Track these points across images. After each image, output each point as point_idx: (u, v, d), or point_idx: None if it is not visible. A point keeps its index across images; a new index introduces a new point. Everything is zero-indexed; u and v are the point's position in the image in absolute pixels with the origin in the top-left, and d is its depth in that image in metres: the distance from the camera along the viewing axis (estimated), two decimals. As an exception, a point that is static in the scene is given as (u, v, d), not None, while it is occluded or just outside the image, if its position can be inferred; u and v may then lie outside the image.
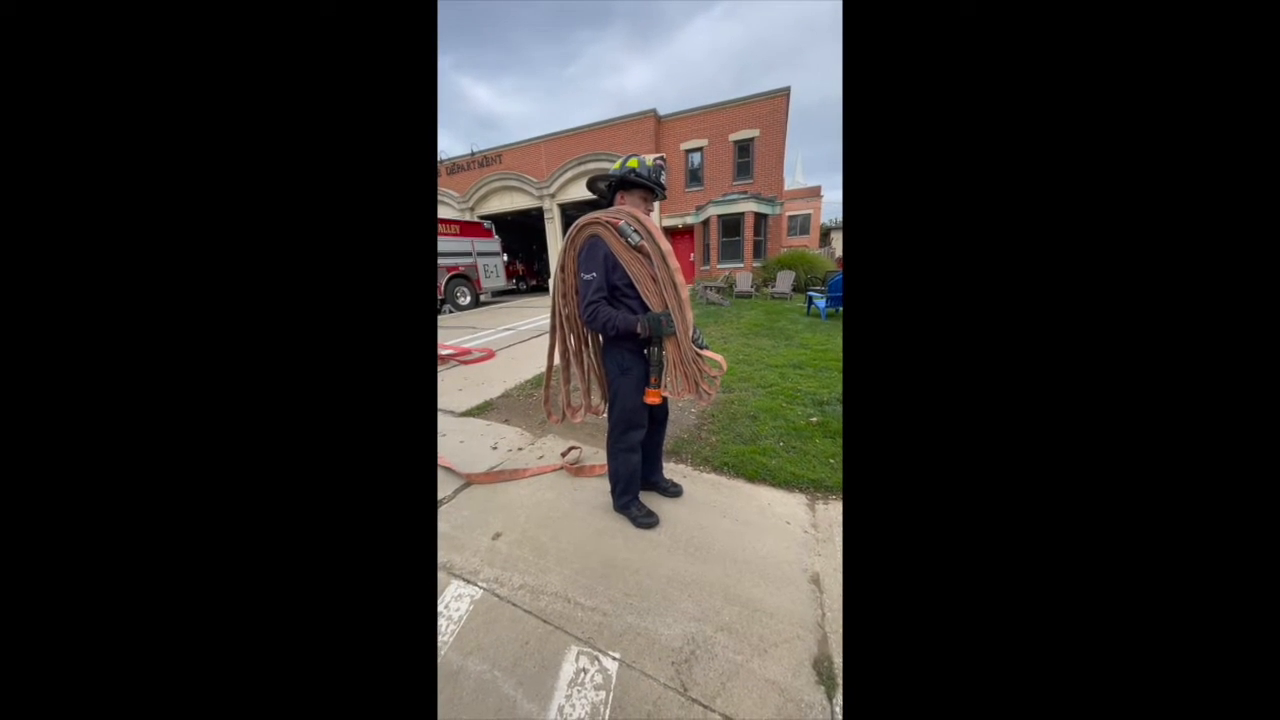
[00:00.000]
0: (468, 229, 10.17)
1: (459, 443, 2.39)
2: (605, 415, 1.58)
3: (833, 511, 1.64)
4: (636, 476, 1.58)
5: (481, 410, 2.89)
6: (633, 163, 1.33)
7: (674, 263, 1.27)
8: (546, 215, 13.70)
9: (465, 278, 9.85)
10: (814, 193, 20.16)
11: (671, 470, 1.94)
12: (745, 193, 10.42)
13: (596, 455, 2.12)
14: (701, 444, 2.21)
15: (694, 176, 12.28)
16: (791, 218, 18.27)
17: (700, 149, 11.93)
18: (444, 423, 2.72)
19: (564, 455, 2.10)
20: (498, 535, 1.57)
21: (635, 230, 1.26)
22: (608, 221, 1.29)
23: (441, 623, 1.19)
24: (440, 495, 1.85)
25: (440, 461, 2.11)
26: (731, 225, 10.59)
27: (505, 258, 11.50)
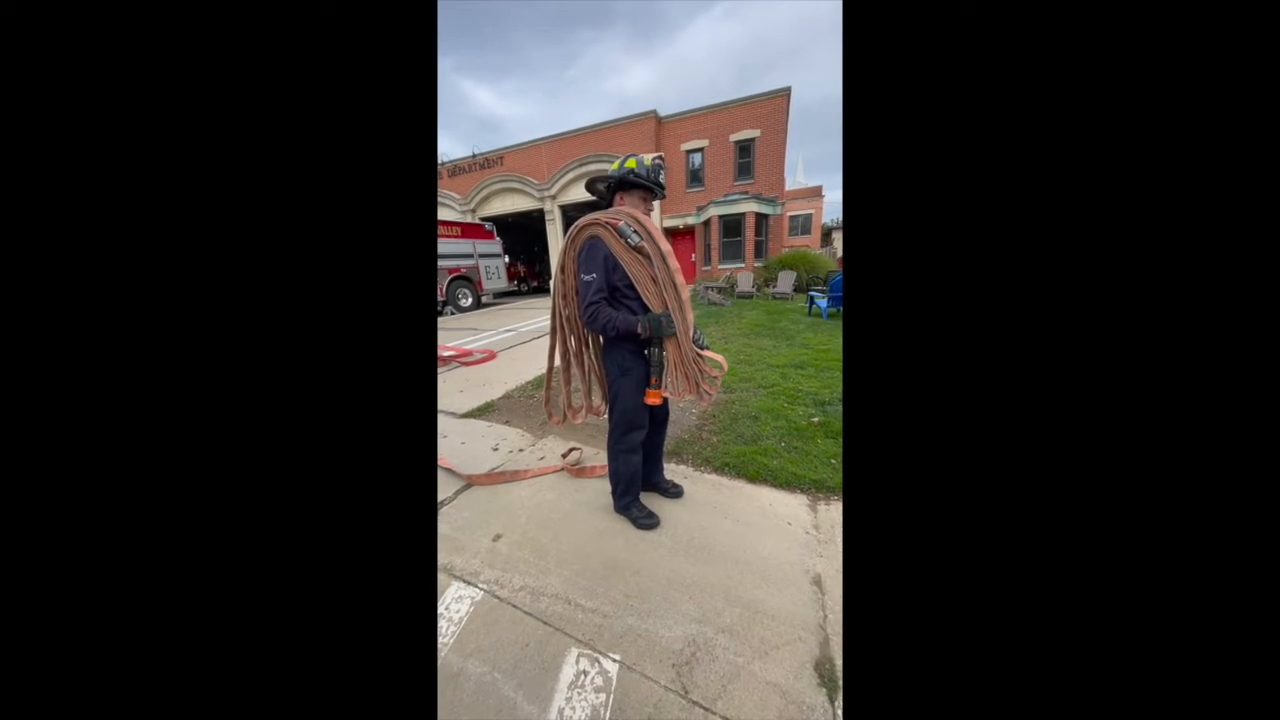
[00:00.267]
0: (469, 231, 10.20)
1: (460, 444, 2.39)
2: (606, 416, 1.58)
3: (834, 512, 1.63)
4: (637, 477, 1.57)
5: (483, 411, 2.90)
6: (631, 163, 1.33)
7: (674, 263, 1.27)
8: (547, 217, 13.73)
9: (467, 279, 9.88)
10: (815, 192, 20.15)
11: (672, 471, 1.94)
12: (746, 193, 10.41)
13: (597, 456, 2.12)
14: (702, 444, 2.21)
15: (695, 177, 12.28)
16: (793, 218, 18.26)
17: (701, 149, 11.94)
18: (445, 424, 2.73)
19: (565, 456, 2.10)
20: (498, 536, 1.57)
21: (635, 231, 1.26)
22: (607, 222, 1.28)
23: (442, 624, 1.19)
24: (441, 496, 1.85)
25: (441, 463, 2.11)
26: (732, 225, 10.58)
27: (506, 259, 11.53)
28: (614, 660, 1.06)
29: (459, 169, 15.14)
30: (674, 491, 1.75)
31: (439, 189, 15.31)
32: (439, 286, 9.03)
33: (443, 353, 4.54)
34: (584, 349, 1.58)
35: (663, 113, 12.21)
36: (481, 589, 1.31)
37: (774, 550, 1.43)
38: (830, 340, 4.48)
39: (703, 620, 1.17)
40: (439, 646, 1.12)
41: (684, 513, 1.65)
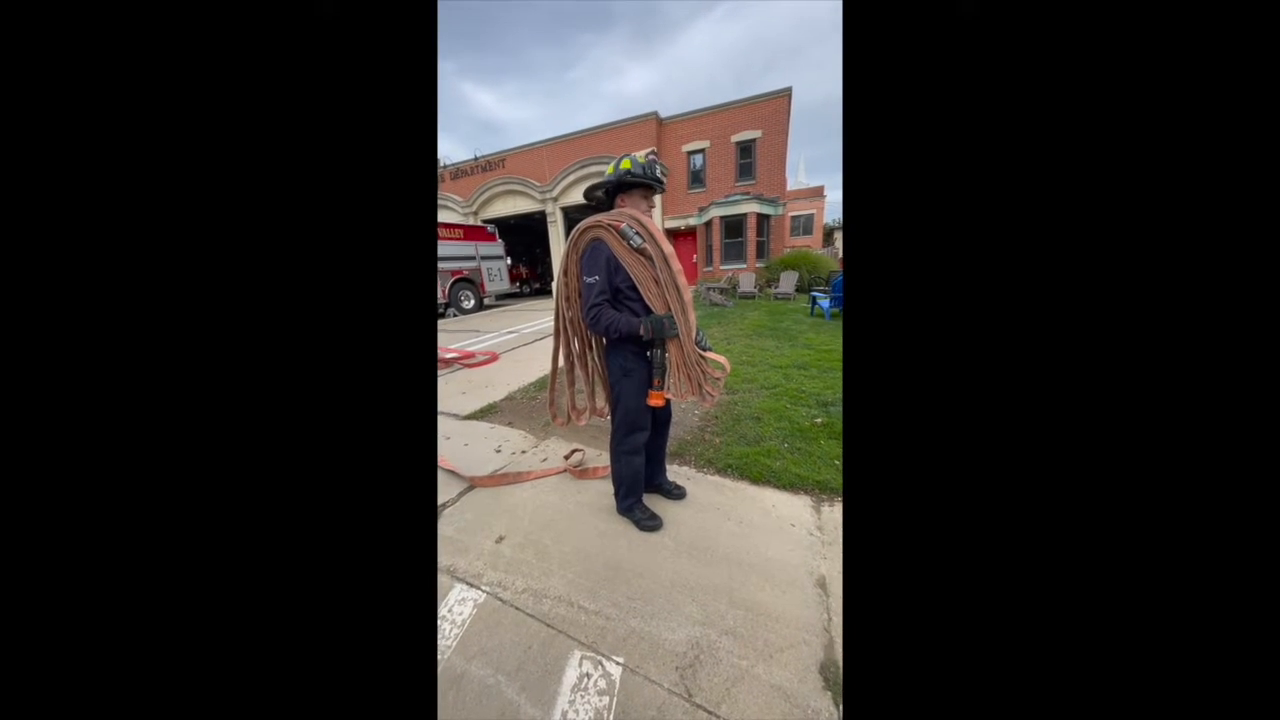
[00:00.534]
0: (471, 233, 10.24)
1: (463, 446, 2.40)
2: (609, 417, 1.58)
3: (838, 514, 1.62)
4: (640, 479, 1.57)
5: (485, 413, 2.90)
6: (626, 164, 1.33)
7: (676, 265, 1.27)
8: (549, 218, 13.76)
9: (469, 281, 9.91)
10: (817, 193, 20.12)
11: (675, 472, 1.93)
12: (748, 194, 10.41)
13: (600, 458, 2.12)
14: (705, 446, 2.20)
15: (696, 178, 12.29)
16: (794, 218, 18.24)
17: (702, 150, 11.94)
18: (448, 426, 2.73)
19: (567, 458, 2.10)
20: (501, 538, 1.57)
21: (637, 233, 1.26)
22: (610, 224, 1.29)
23: (445, 626, 1.19)
24: (444, 498, 1.85)
25: (444, 464, 2.11)
26: (734, 226, 10.58)
27: (509, 261, 11.56)
28: (617, 663, 1.06)
29: (461, 171, 15.21)
30: (677, 493, 1.75)
31: (441, 192, 15.38)
32: (442, 289, 9.06)
33: (445, 354, 4.56)
34: (587, 351, 1.58)
35: (663, 114, 12.23)
36: (484, 591, 1.31)
37: (777, 552, 1.42)
38: (833, 341, 4.47)
39: (706, 623, 1.16)
40: (442, 649, 1.12)
41: (687, 514, 1.65)
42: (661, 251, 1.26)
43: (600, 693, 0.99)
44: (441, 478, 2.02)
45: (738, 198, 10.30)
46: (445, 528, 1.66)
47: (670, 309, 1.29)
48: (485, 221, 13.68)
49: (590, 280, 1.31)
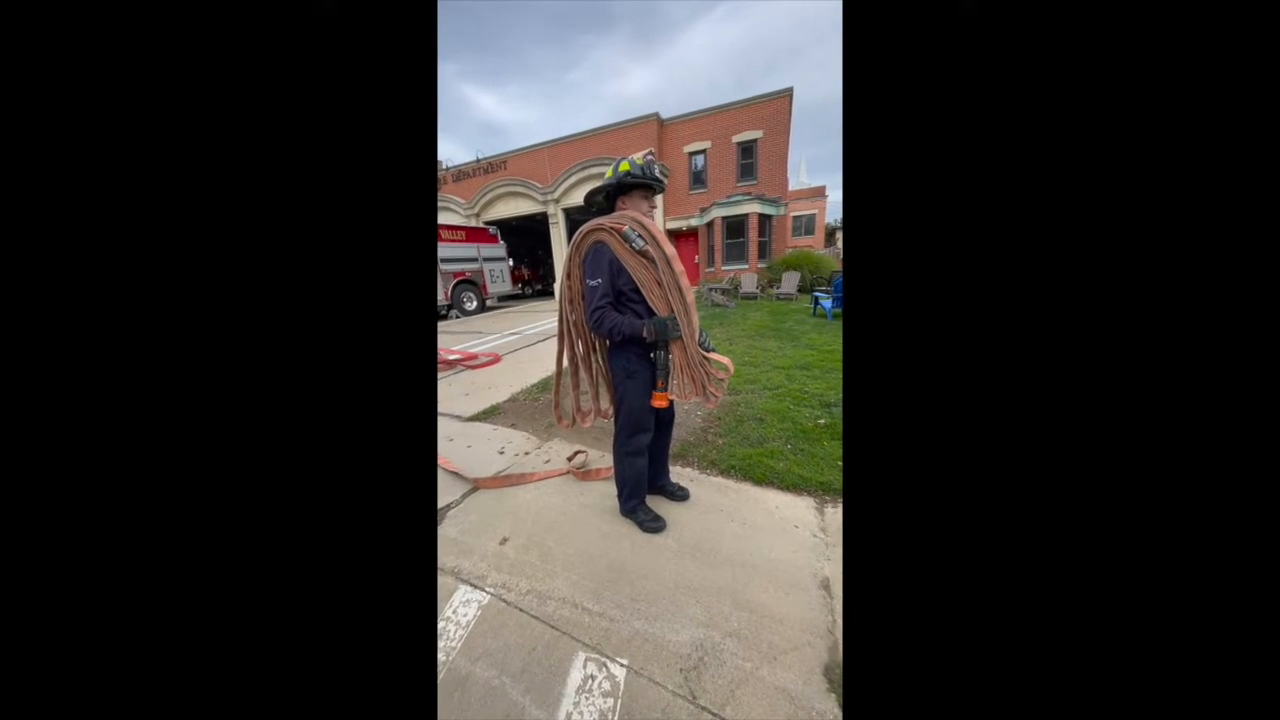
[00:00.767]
0: (473, 235, 10.28)
1: (466, 447, 2.40)
2: (613, 419, 1.58)
3: (842, 515, 1.62)
4: (643, 480, 1.57)
5: (488, 415, 2.91)
6: (624, 166, 1.33)
7: (678, 266, 1.27)
8: (551, 220, 13.79)
9: (471, 283, 9.94)
10: (819, 192, 20.08)
11: (678, 474, 1.93)
12: (749, 194, 10.40)
13: (603, 459, 2.12)
14: (708, 447, 2.20)
15: (697, 179, 12.29)
16: (796, 218, 18.20)
17: (704, 151, 11.94)
18: (451, 427, 2.74)
19: (570, 459, 2.10)
20: (505, 540, 1.58)
21: (639, 235, 1.26)
22: (612, 227, 1.29)
23: (450, 628, 1.19)
24: (448, 500, 1.86)
25: (448, 466, 2.12)
26: (736, 227, 10.57)
27: (511, 263, 11.59)
28: (621, 665, 1.06)
29: (463, 174, 15.27)
30: (680, 494, 1.75)
31: (443, 194, 15.44)
32: (444, 290, 9.09)
33: (448, 356, 4.57)
34: (591, 353, 1.58)
35: (665, 115, 12.24)
36: (489, 592, 1.31)
37: (781, 553, 1.42)
38: (835, 341, 4.46)
39: (710, 624, 1.16)
40: (448, 650, 1.12)
41: (690, 516, 1.65)
42: (664, 253, 1.26)
43: (605, 694, 0.99)
44: (445, 479, 2.03)
45: (739, 198, 10.29)
46: (449, 529, 1.67)
47: (673, 310, 1.30)
48: (487, 223, 13.72)
49: (593, 283, 1.31)
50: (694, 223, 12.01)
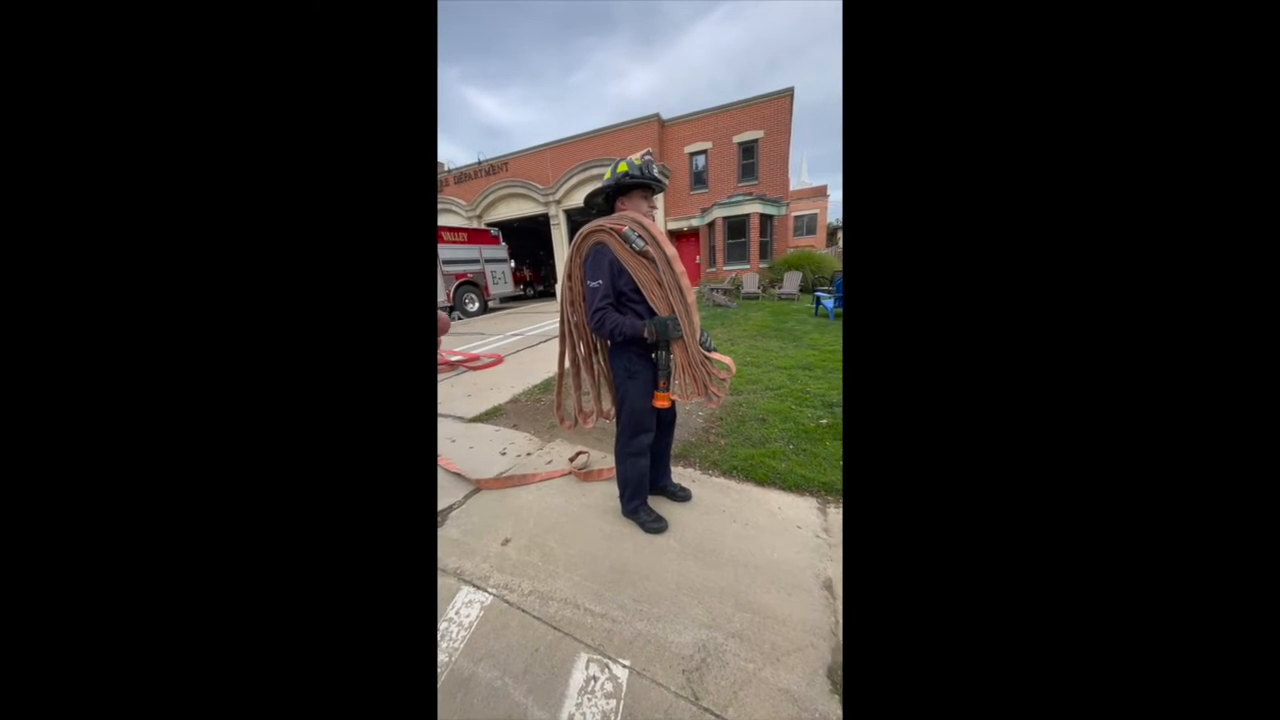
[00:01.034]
0: (475, 236, 10.30)
1: (468, 448, 2.41)
2: (615, 420, 1.58)
3: (844, 515, 1.61)
4: (645, 481, 1.57)
5: (490, 416, 2.91)
6: (623, 167, 1.33)
7: (679, 266, 1.27)
8: (552, 221, 13.82)
9: (473, 284, 9.97)
10: (820, 192, 20.04)
11: (680, 474, 1.93)
12: (750, 194, 10.40)
13: (605, 460, 2.12)
14: (710, 447, 2.20)
15: (699, 179, 12.29)
16: (798, 218, 18.18)
17: (704, 151, 11.94)
18: (453, 428, 2.75)
19: (572, 460, 2.10)
20: (507, 541, 1.58)
21: (640, 236, 1.26)
22: (612, 228, 1.29)
23: (453, 629, 1.20)
24: (450, 501, 1.86)
25: (450, 467, 2.12)
26: (737, 227, 10.57)
27: (512, 264, 11.62)
28: (624, 666, 1.05)
29: (464, 176, 15.32)
30: (682, 495, 1.75)
31: (445, 195, 15.49)
32: (446, 292, 9.12)
33: (450, 357, 4.58)
34: (593, 354, 1.58)
35: (665, 116, 12.26)
36: (491, 593, 1.32)
37: (784, 554, 1.41)
38: (837, 341, 4.45)
39: (712, 625, 1.16)
40: (450, 651, 1.12)
41: (692, 516, 1.64)
42: (664, 254, 1.26)
43: (607, 696, 0.99)
44: (448, 480, 2.03)
45: (740, 198, 10.29)
46: (451, 530, 1.67)
47: (674, 311, 1.30)
48: (489, 225, 13.75)
49: (594, 284, 1.31)
50: (695, 223, 12.01)
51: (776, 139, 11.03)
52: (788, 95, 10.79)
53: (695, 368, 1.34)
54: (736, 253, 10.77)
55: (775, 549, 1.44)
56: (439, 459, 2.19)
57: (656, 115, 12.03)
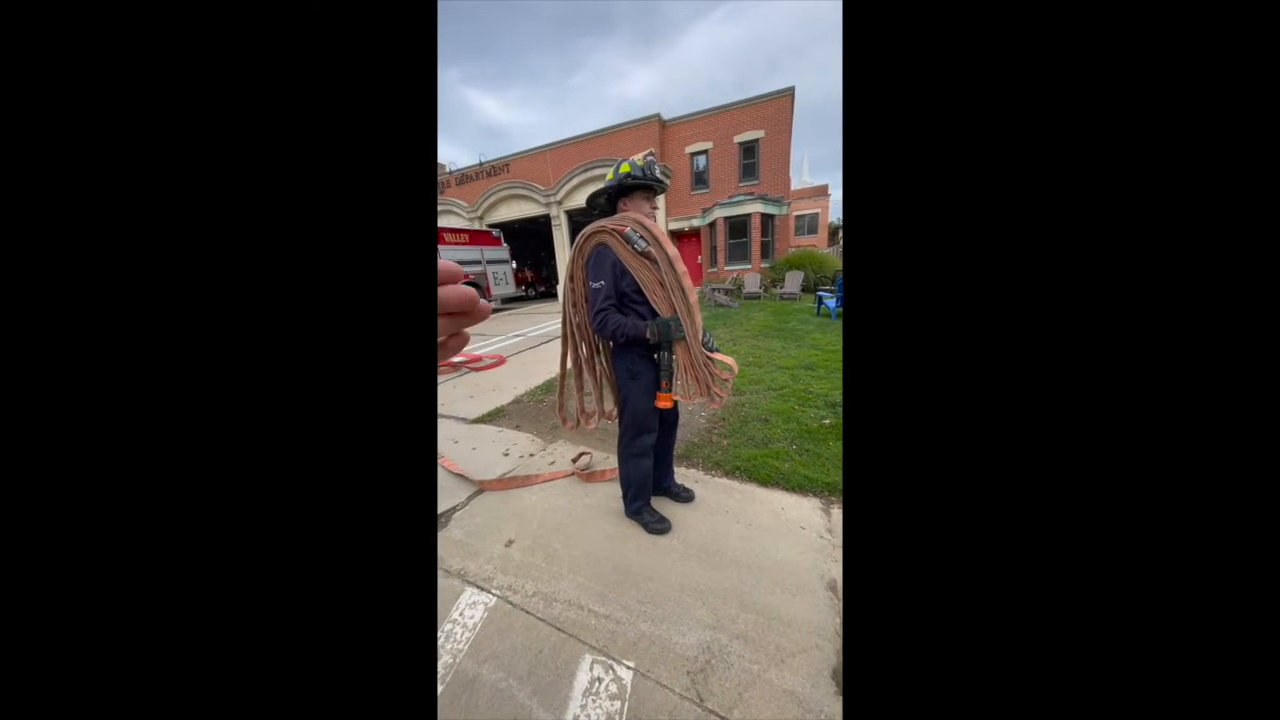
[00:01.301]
0: (477, 238, 10.33)
1: (471, 449, 2.41)
2: (617, 421, 1.58)
3: (848, 516, 1.61)
4: (648, 482, 1.57)
5: (493, 417, 2.92)
6: (625, 168, 1.33)
7: (681, 267, 1.27)
8: (554, 222, 13.84)
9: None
10: (821, 191, 20.02)
11: (683, 475, 1.93)
12: (751, 194, 10.39)
13: (607, 460, 2.12)
14: (713, 448, 2.20)
15: (699, 179, 12.29)
16: (799, 217, 18.17)
17: (705, 151, 11.94)
18: (455, 429, 2.75)
19: (575, 461, 2.11)
20: (510, 542, 1.58)
21: (641, 236, 1.26)
22: (614, 229, 1.29)
23: (457, 630, 1.20)
24: (453, 502, 1.86)
25: (453, 468, 2.13)
26: (738, 227, 10.56)
27: (514, 265, 11.65)
28: (628, 667, 1.05)
29: (466, 177, 15.36)
30: (685, 496, 1.75)
31: (446, 197, 15.54)
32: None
33: (452, 358, 4.59)
34: (595, 355, 1.58)
35: (666, 116, 12.27)
36: (495, 595, 1.32)
37: (788, 555, 1.41)
38: (839, 341, 4.44)
39: (717, 626, 1.15)
40: (455, 653, 1.12)
41: (695, 517, 1.64)
42: (666, 254, 1.26)
43: (612, 697, 0.99)
44: (451, 481, 2.03)
45: (741, 198, 10.29)
46: (454, 531, 1.67)
47: (676, 311, 1.30)
48: (490, 226, 13.78)
49: (596, 285, 1.32)
50: (696, 223, 12.01)
51: (777, 138, 11.02)
52: (788, 95, 10.78)
53: (698, 368, 1.33)
54: (738, 252, 10.76)
55: (779, 550, 1.44)
56: (442, 460, 2.20)
57: (657, 115, 12.04)
